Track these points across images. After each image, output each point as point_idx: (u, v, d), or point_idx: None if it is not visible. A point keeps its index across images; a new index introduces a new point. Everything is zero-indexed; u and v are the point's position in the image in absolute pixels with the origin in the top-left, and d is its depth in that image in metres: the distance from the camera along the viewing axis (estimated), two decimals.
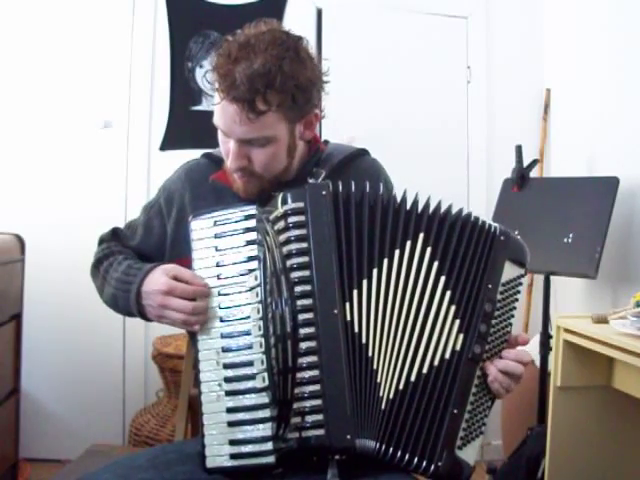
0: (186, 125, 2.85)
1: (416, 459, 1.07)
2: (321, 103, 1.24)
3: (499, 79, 3.03)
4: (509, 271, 1.17)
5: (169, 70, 2.86)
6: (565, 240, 2.33)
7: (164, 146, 2.86)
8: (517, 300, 1.19)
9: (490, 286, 1.14)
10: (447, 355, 1.10)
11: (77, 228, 2.75)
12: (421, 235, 1.13)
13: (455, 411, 1.09)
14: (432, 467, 1.07)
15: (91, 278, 1.37)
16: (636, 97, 2.35)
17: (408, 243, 1.12)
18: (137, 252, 1.36)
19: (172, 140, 2.86)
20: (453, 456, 1.08)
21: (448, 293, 1.12)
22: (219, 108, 1.16)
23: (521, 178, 2.56)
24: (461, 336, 1.11)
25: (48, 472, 2.48)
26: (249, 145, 1.18)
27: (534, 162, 2.58)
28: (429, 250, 1.13)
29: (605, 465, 2.00)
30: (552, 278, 2.45)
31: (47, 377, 2.79)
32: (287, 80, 1.12)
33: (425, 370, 1.09)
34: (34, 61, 2.80)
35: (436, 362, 1.10)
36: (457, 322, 1.11)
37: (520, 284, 1.19)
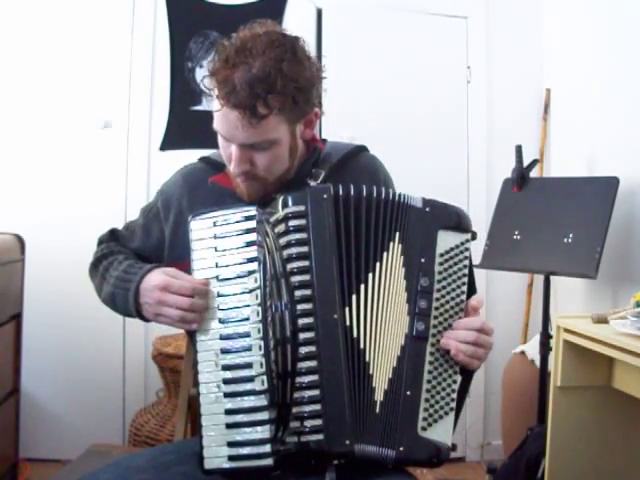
0: (186, 125, 2.85)
1: (379, 448, 1.06)
2: (320, 100, 1.24)
3: (499, 79, 3.03)
4: (447, 240, 1.16)
5: (169, 70, 2.86)
6: (565, 240, 2.33)
7: (164, 146, 2.86)
8: (466, 267, 1.17)
9: (423, 260, 1.14)
10: (402, 341, 1.11)
11: (77, 228, 2.75)
12: (397, 234, 1.14)
13: (408, 393, 1.09)
14: (394, 453, 1.06)
15: (90, 277, 1.37)
16: (636, 97, 2.35)
17: (391, 244, 1.14)
18: (136, 254, 1.36)
19: (172, 140, 2.86)
20: (416, 438, 1.08)
21: (404, 283, 1.13)
22: (219, 115, 1.15)
23: (521, 178, 2.56)
24: (408, 318, 1.12)
25: (48, 472, 2.48)
26: (252, 149, 1.17)
27: (534, 162, 2.58)
28: (400, 247, 1.14)
29: (605, 465, 2.00)
30: (552, 278, 2.44)
31: (47, 377, 2.79)
32: (287, 82, 1.11)
33: (395, 364, 1.10)
34: (34, 61, 2.80)
35: (399, 352, 1.11)
36: (406, 307, 1.12)
37: (466, 249, 1.17)
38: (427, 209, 1.16)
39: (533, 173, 2.62)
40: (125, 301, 1.19)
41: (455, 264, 1.16)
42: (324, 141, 1.37)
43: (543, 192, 2.52)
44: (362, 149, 1.38)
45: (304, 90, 1.15)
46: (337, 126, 2.68)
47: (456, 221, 1.17)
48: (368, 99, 2.90)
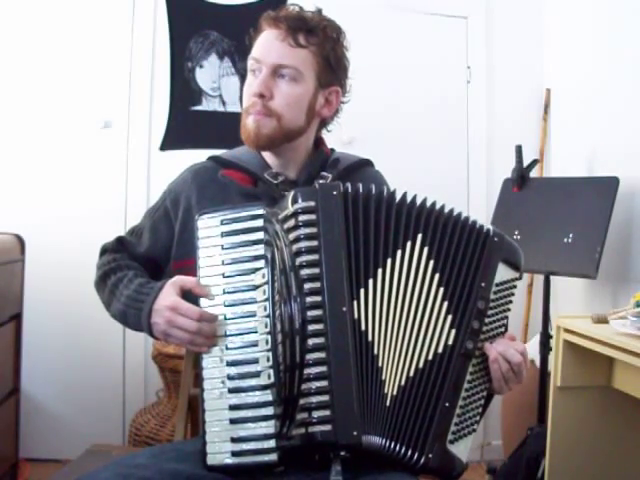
0: (186, 125, 2.84)
1: (409, 451, 1.08)
2: (344, 83, 1.39)
3: (499, 79, 3.03)
4: (503, 273, 1.20)
5: (169, 70, 2.85)
6: (565, 240, 2.33)
7: (164, 146, 2.86)
8: (511, 302, 1.22)
9: (483, 284, 1.17)
10: (440, 349, 1.13)
11: (77, 228, 2.75)
12: (419, 236, 1.16)
13: (447, 404, 1.11)
14: (423, 459, 1.08)
15: (96, 289, 1.35)
16: (636, 97, 2.35)
17: (408, 243, 1.15)
18: (145, 258, 1.35)
19: (172, 140, 2.85)
20: (444, 449, 1.10)
21: (441, 290, 1.15)
22: (261, 39, 1.27)
23: (521, 178, 2.56)
24: (453, 331, 1.14)
25: (48, 472, 2.48)
26: (278, 76, 1.25)
27: (534, 162, 2.58)
28: (426, 250, 1.16)
29: (605, 465, 2.00)
30: (552, 278, 2.45)
31: (47, 377, 2.79)
32: (328, 35, 1.28)
33: (421, 365, 1.12)
34: (34, 61, 2.80)
35: (430, 356, 1.13)
36: (449, 317, 1.15)
37: (514, 287, 1.22)
38: (495, 239, 1.20)
39: (533, 173, 2.63)
40: (137, 320, 1.19)
41: (504, 297, 1.20)
42: (332, 150, 1.41)
43: (543, 192, 2.52)
44: (368, 163, 1.43)
45: (337, 58, 1.32)
46: (336, 126, 2.68)
47: (514, 257, 1.22)
48: (368, 99, 2.88)
